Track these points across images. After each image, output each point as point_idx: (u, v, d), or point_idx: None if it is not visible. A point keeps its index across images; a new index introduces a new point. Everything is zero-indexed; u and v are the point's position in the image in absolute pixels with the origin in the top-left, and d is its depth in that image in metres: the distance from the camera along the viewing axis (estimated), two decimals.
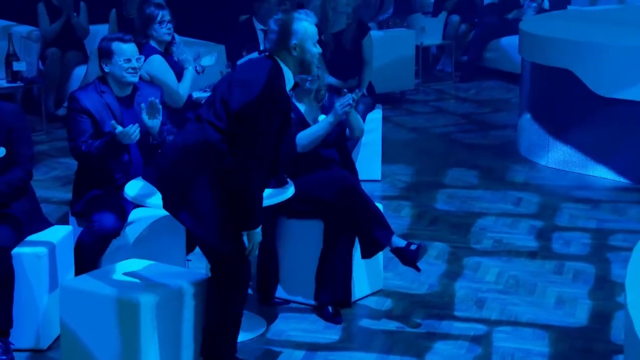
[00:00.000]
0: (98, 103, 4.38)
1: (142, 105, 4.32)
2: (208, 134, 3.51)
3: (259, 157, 3.52)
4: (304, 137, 4.40)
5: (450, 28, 9.51)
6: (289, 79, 3.62)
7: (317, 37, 3.65)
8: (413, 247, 4.25)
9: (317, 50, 3.65)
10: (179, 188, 3.55)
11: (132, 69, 4.39)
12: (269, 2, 6.37)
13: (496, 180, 6.40)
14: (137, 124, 4.24)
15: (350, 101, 4.39)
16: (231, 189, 3.50)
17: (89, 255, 4.20)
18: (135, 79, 4.43)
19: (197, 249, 4.56)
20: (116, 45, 4.39)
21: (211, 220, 3.51)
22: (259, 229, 3.59)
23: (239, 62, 5.92)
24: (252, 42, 6.35)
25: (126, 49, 4.39)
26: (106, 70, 4.42)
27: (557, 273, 4.85)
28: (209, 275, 3.71)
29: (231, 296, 3.62)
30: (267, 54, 3.68)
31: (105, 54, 4.41)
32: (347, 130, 4.60)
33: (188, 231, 4.48)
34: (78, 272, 4.13)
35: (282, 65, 3.60)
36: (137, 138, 4.24)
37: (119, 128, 4.20)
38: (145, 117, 4.30)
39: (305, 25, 3.62)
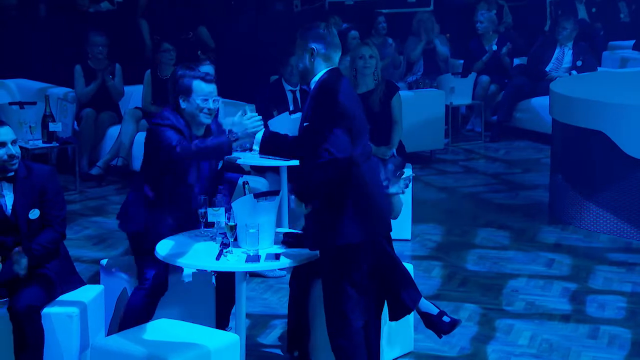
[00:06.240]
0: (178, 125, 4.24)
1: (246, 108, 4.17)
2: None
3: None
4: None
5: (479, 88, 9.55)
6: None
7: None
8: (446, 319, 4.19)
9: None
10: None
11: (208, 109, 4.29)
12: (291, 66, 6.46)
13: (527, 241, 6.34)
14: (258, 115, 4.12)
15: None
16: None
17: (140, 318, 4.11)
18: (209, 121, 4.32)
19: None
20: (197, 84, 4.29)
21: None
22: None
23: (270, 121, 5.98)
24: (282, 102, 6.42)
25: (206, 89, 4.28)
26: (182, 106, 4.30)
27: (592, 337, 4.76)
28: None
29: None
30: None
31: (185, 90, 4.29)
32: None
33: (219, 301, 4.45)
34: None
35: None
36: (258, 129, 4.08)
37: (246, 113, 4.05)
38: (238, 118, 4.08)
39: None
